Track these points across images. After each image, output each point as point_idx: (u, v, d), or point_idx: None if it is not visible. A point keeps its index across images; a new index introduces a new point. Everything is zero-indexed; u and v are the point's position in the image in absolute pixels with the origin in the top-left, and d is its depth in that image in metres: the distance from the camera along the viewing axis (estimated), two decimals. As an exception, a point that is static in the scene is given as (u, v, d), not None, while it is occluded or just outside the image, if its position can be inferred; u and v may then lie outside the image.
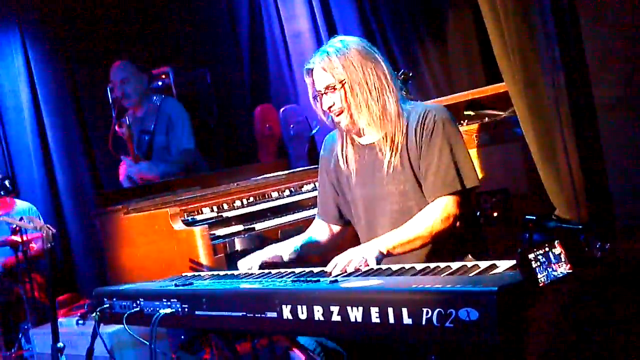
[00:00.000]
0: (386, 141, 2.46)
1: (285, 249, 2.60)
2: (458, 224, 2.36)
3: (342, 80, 2.41)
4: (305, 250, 2.66)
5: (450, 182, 2.35)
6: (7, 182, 3.78)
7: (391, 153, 2.44)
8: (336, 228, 2.78)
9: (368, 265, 2.15)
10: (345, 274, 2.09)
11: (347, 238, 2.81)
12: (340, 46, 2.46)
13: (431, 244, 2.36)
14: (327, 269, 2.20)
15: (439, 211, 2.33)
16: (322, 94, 2.47)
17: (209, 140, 5.60)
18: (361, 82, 2.41)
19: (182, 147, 4.48)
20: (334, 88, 2.43)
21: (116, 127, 4.48)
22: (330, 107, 2.45)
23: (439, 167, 2.36)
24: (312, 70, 2.50)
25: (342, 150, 2.59)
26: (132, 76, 4.53)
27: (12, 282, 4.78)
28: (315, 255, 2.76)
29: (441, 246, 2.40)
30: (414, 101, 2.68)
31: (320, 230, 2.79)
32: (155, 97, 4.63)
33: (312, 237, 2.75)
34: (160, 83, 5.32)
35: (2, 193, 3.81)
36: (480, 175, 3.59)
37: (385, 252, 2.25)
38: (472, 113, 3.66)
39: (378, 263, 2.19)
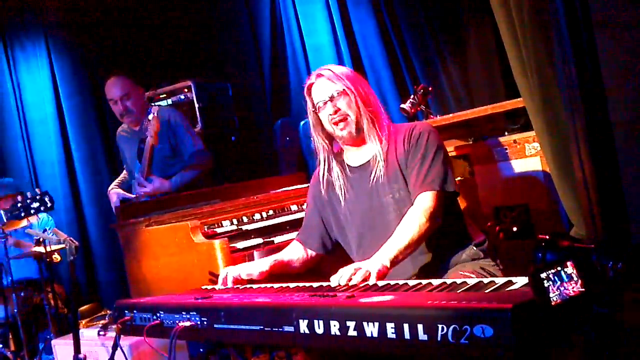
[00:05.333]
0: (377, 156, 2.61)
1: (257, 267, 2.69)
2: (440, 220, 2.48)
3: (348, 87, 2.59)
4: (278, 270, 2.76)
5: (430, 183, 2.50)
6: (46, 198, 3.79)
7: (385, 166, 2.59)
8: (312, 253, 2.90)
9: (369, 280, 2.20)
10: (347, 287, 2.14)
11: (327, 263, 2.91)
12: (338, 65, 2.79)
13: (423, 241, 2.49)
14: (332, 281, 2.25)
15: (421, 209, 2.46)
16: (325, 103, 2.62)
17: (230, 153, 5.66)
18: (362, 94, 2.61)
19: (192, 149, 4.35)
20: (339, 95, 2.59)
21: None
22: (336, 112, 2.60)
23: (420, 170, 2.52)
24: (312, 85, 2.67)
25: (334, 176, 2.73)
26: (132, 91, 4.40)
27: (34, 292, 4.85)
28: (287, 275, 2.82)
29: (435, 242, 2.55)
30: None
31: (296, 253, 2.90)
32: (149, 109, 4.41)
33: (286, 258, 2.85)
34: (182, 97, 5.37)
35: (42, 209, 3.81)
36: (500, 191, 3.60)
37: (389, 265, 2.31)
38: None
39: (383, 276, 2.25)
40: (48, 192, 3.85)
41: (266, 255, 3.34)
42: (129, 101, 4.38)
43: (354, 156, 2.73)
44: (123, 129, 4.60)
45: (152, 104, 4.86)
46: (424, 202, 2.47)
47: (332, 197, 2.77)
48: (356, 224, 2.70)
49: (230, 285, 2.66)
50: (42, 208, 3.80)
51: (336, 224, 2.79)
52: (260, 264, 2.73)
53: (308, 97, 2.70)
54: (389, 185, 2.59)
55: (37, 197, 3.80)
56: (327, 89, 2.62)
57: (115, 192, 4.62)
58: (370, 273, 2.22)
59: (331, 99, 2.60)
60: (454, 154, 3.67)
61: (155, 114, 4.06)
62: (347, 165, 2.74)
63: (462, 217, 2.71)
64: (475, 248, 2.58)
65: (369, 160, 2.66)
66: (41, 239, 4.23)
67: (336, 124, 2.61)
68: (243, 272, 2.68)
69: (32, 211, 3.81)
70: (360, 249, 2.69)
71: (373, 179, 2.61)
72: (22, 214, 3.85)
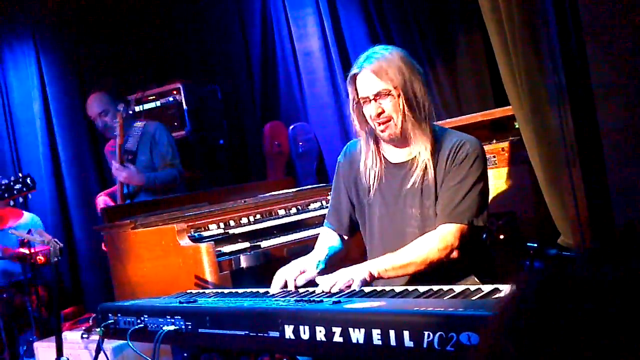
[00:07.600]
0: (417, 162, 2.41)
1: (311, 265, 2.44)
2: (456, 254, 2.31)
3: (394, 87, 2.33)
4: (330, 263, 2.52)
5: (458, 214, 2.31)
6: (28, 180, 3.83)
7: (421, 175, 2.39)
8: (346, 237, 2.71)
9: (350, 287, 2.15)
10: (331, 294, 2.11)
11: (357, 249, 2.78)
12: (388, 54, 2.39)
13: (426, 270, 2.31)
14: (319, 289, 2.20)
15: (437, 240, 2.30)
16: (370, 100, 2.38)
17: (218, 156, 5.64)
18: (409, 92, 2.35)
19: (167, 160, 4.50)
20: (386, 94, 2.35)
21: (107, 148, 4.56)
22: (380, 114, 2.37)
23: (453, 197, 2.33)
24: (356, 75, 2.41)
25: (369, 164, 2.52)
26: (109, 107, 4.56)
27: (16, 294, 4.80)
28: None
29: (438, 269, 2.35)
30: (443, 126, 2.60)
31: (334, 240, 2.68)
32: (137, 122, 4.65)
33: (332, 247, 2.62)
34: (171, 99, 5.35)
35: (24, 190, 3.85)
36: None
37: (375, 275, 2.24)
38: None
39: (365, 285, 2.19)
40: (30, 174, 3.87)
41: (253, 259, 3.32)
42: (107, 117, 4.55)
43: (393, 152, 2.51)
44: (110, 144, 4.71)
45: (139, 106, 4.87)
46: (445, 233, 2.30)
47: (359, 182, 2.57)
48: (374, 219, 2.54)
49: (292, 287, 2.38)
50: (24, 189, 3.81)
51: (359, 209, 2.62)
52: (313, 263, 2.44)
53: (351, 87, 2.44)
54: (420, 198, 2.40)
55: (20, 179, 3.81)
56: (373, 86, 2.35)
57: (102, 199, 4.67)
58: (353, 281, 2.17)
59: (376, 97, 2.36)
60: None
61: (122, 114, 4.42)
62: (384, 157, 2.52)
63: (485, 251, 2.57)
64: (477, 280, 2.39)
65: (408, 161, 2.45)
66: (25, 240, 4.19)
67: (379, 124, 2.39)
68: (310, 271, 2.39)
69: (15, 192, 3.83)
70: (372, 245, 2.57)
71: (407, 183, 2.42)
72: (6, 195, 3.86)
